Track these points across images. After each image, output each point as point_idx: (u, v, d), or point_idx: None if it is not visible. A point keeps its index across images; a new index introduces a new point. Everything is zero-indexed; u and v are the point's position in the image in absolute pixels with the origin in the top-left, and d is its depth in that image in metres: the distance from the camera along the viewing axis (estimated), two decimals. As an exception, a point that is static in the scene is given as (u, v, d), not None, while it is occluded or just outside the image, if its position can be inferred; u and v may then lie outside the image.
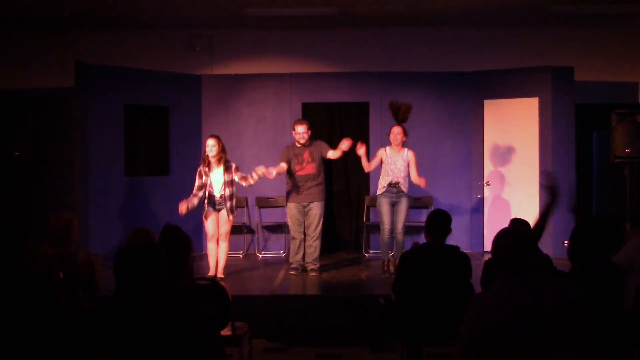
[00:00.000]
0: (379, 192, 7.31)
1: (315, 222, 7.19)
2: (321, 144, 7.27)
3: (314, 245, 7.22)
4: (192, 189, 8.66)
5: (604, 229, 3.75)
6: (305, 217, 7.22)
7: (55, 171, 8.80)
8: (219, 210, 6.98)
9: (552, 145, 8.38)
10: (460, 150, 8.92)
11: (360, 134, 9.18)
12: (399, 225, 7.23)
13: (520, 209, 8.24)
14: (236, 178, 6.93)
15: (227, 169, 6.92)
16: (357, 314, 6.05)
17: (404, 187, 7.21)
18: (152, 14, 8.49)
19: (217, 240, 7.05)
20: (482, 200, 8.81)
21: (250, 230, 9.01)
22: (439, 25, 9.16)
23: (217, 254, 7.04)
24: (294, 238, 7.30)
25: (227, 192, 6.93)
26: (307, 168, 7.16)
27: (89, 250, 4.64)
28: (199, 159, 7.21)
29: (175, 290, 3.14)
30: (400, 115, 7.37)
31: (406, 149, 7.32)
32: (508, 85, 8.72)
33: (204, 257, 7.59)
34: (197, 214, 8.55)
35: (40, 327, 3.09)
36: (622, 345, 3.58)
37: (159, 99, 8.75)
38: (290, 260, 7.41)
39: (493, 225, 8.43)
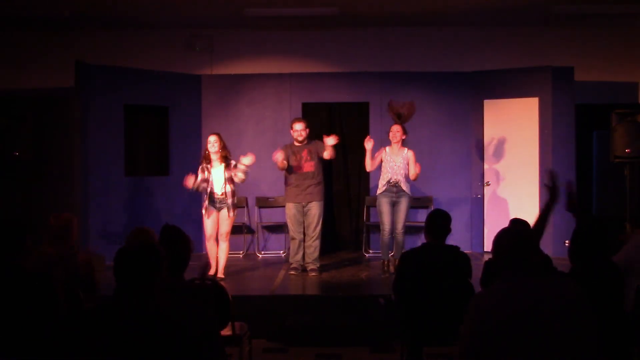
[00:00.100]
0: (379, 192, 7.31)
1: (315, 221, 7.19)
2: (318, 144, 7.27)
3: (313, 246, 7.22)
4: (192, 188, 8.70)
5: (604, 229, 3.75)
6: (305, 217, 7.23)
7: (55, 171, 8.80)
8: (219, 210, 6.98)
9: (552, 145, 8.38)
10: (460, 150, 8.92)
11: (360, 134, 9.18)
12: (399, 225, 7.23)
13: (520, 208, 8.24)
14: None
15: (227, 166, 6.94)
16: (357, 314, 6.05)
17: (404, 187, 7.21)
18: (152, 14, 8.49)
19: (216, 240, 7.06)
20: (482, 200, 8.81)
21: (250, 230, 9.01)
22: (439, 25, 9.16)
23: (217, 253, 7.04)
24: (293, 238, 7.30)
25: (228, 189, 6.95)
26: (306, 166, 7.17)
27: (89, 250, 4.64)
28: (199, 158, 7.22)
29: (175, 290, 3.15)
30: (402, 119, 7.37)
31: (406, 149, 7.32)
32: (508, 85, 8.71)
33: (204, 257, 7.59)
34: (197, 214, 8.57)
35: (40, 327, 3.09)
36: (622, 345, 3.58)
37: (159, 99, 8.75)
38: (290, 260, 7.42)
39: (493, 225, 8.43)
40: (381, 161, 7.31)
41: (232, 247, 7.78)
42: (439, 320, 4.09)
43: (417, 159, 7.36)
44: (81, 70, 7.97)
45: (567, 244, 3.90)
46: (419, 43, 9.27)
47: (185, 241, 3.56)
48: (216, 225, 7.01)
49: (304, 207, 7.21)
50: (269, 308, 6.09)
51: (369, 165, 7.34)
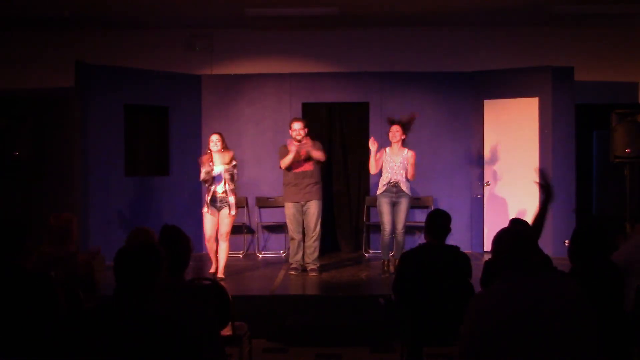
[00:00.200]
0: (379, 192, 7.31)
1: (314, 221, 7.19)
2: (315, 144, 7.27)
3: (313, 246, 7.22)
4: (192, 188, 8.71)
5: (604, 229, 3.76)
6: (304, 216, 7.23)
7: (55, 171, 8.80)
8: (220, 209, 6.99)
9: (552, 145, 8.38)
10: (460, 150, 8.92)
11: (360, 134, 9.20)
12: (399, 225, 7.24)
13: (520, 208, 8.24)
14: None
15: (228, 164, 6.96)
16: (357, 314, 6.05)
17: (403, 187, 7.21)
18: (152, 14, 8.50)
19: (216, 240, 7.07)
20: (481, 200, 8.81)
21: (250, 230, 9.01)
22: (439, 25, 9.17)
23: (217, 251, 7.06)
24: (292, 238, 7.30)
25: (228, 187, 6.96)
26: (304, 165, 7.18)
27: (92, 250, 4.63)
28: (199, 158, 7.23)
29: (175, 290, 3.15)
30: (402, 124, 7.39)
31: (406, 149, 7.33)
32: (508, 85, 8.71)
33: (204, 257, 7.59)
34: (197, 214, 8.58)
35: (40, 327, 3.09)
36: (622, 345, 3.58)
37: (159, 99, 8.75)
38: (290, 260, 7.42)
39: (493, 225, 8.43)
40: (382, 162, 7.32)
41: (232, 247, 7.79)
42: (439, 320, 4.09)
43: (417, 159, 7.36)
44: (81, 70, 7.97)
45: (567, 244, 3.90)
46: (419, 43, 9.27)
47: (185, 241, 3.56)
48: (216, 225, 7.02)
49: (302, 206, 7.22)
50: (269, 308, 6.09)
51: (373, 168, 7.31)
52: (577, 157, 8.52)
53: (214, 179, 6.94)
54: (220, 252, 7.02)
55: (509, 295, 2.58)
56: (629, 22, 9.03)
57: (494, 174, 8.77)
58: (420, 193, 8.66)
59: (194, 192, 8.72)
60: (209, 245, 7.08)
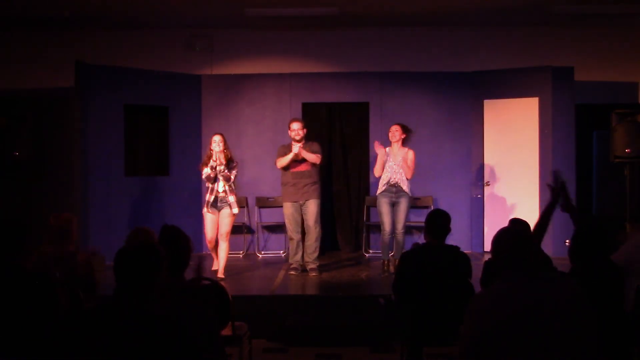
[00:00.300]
0: (378, 192, 7.32)
1: (313, 219, 7.18)
2: (313, 144, 7.28)
3: (313, 245, 7.22)
4: (192, 188, 8.72)
5: (604, 229, 3.76)
6: (303, 215, 7.23)
7: (55, 171, 8.80)
8: (220, 209, 7.00)
9: (552, 145, 8.38)
10: (460, 150, 8.92)
11: (360, 134, 9.20)
12: (399, 225, 7.24)
13: (520, 208, 8.25)
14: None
15: (229, 164, 6.97)
16: (357, 314, 6.05)
17: (403, 187, 7.22)
18: (152, 14, 8.49)
19: (216, 241, 7.09)
20: (482, 200, 8.81)
21: (250, 230, 9.01)
22: (439, 25, 9.16)
23: (217, 251, 7.09)
24: (291, 238, 7.31)
25: (228, 187, 6.98)
26: (303, 165, 7.19)
27: (92, 250, 4.63)
28: (199, 159, 7.26)
29: (175, 290, 3.14)
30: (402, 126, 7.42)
31: (406, 148, 7.33)
32: (508, 85, 8.71)
33: (204, 257, 7.59)
34: (197, 214, 8.57)
35: (40, 327, 3.09)
36: (622, 345, 3.58)
37: (159, 99, 8.75)
38: (290, 260, 7.42)
39: (493, 225, 8.43)
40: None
41: (232, 247, 7.79)
42: (439, 320, 4.09)
43: (417, 159, 7.37)
44: (81, 70, 7.97)
45: (567, 244, 3.90)
46: (419, 43, 9.27)
47: (185, 241, 3.56)
48: (216, 226, 7.03)
49: (301, 205, 7.22)
50: (269, 308, 6.09)
51: (379, 171, 7.30)
52: (577, 157, 8.52)
53: (217, 176, 6.94)
54: (220, 252, 7.03)
55: (509, 295, 2.58)
56: (629, 22, 9.02)
57: (494, 174, 8.76)
58: (420, 193, 8.66)
59: (194, 192, 8.72)
60: (211, 246, 7.12)
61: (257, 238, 8.98)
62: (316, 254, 7.27)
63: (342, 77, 9.13)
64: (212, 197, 6.99)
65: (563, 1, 8.00)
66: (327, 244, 8.98)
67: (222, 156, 6.95)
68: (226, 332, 4.15)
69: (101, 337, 2.47)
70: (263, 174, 8.89)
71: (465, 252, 4.40)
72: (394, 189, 7.23)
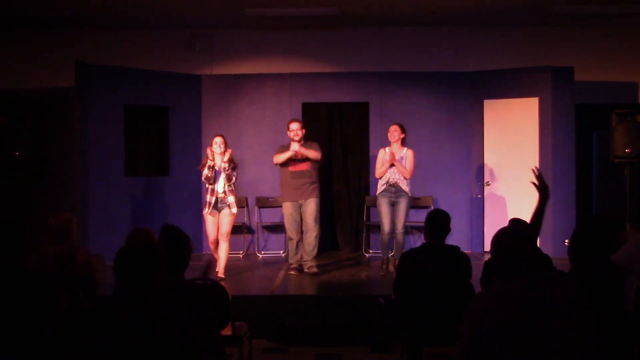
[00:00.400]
0: (378, 192, 7.33)
1: (312, 218, 7.17)
2: (312, 145, 7.29)
3: (312, 243, 7.20)
4: (192, 188, 8.72)
5: (604, 229, 3.76)
6: (302, 214, 7.23)
7: (55, 171, 8.80)
8: (220, 210, 7.01)
9: (552, 145, 8.38)
10: (460, 150, 8.92)
11: (360, 134, 9.20)
12: (399, 225, 7.24)
13: (519, 208, 8.22)
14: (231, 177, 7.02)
15: (230, 163, 6.99)
16: (357, 314, 6.05)
17: (403, 187, 7.22)
18: (152, 14, 8.49)
19: (217, 241, 7.10)
20: (481, 200, 8.81)
21: (250, 230, 9.01)
22: (439, 25, 9.16)
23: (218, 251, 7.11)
24: (291, 239, 7.31)
25: (227, 188, 7.00)
26: (302, 165, 7.20)
27: (89, 250, 4.63)
28: (199, 159, 7.27)
29: (175, 290, 3.15)
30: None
31: (406, 148, 7.34)
32: (508, 85, 8.71)
33: (204, 257, 7.59)
34: (197, 214, 8.58)
35: (40, 327, 3.09)
36: (622, 345, 3.58)
37: (159, 99, 8.75)
38: (290, 260, 7.42)
39: (493, 225, 8.42)
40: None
41: (232, 247, 7.79)
42: (439, 320, 4.09)
43: (417, 159, 7.37)
44: (81, 70, 7.97)
45: (566, 243, 3.90)
46: (419, 43, 9.27)
47: (185, 241, 3.56)
48: (217, 227, 7.05)
49: (301, 205, 7.22)
50: (269, 308, 6.09)
51: (380, 173, 7.32)
52: (577, 157, 8.52)
53: (216, 175, 6.96)
54: (220, 252, 7.04)
55: (509, 295, 2.58)
56: (629, 22, 9.02)
57: (494, 174, 8.76)
58: (420, 193, 8.66)
59: (194, 192, 8.72)
60: (213, 247, 7.13)
61: (257, 238, 8.98)
62: (315, 252, 7.25)
63: (342, 77, 9.13)
64: (213, 198, 7.00)
65: (563, 1, 8.00)
66: (327, 244, 8.98)
67: (225, 157, 6.97)
68: (226, 332, 4.15)
69: (101, 337, 2.47)
70: (263, 174, 8.89)
71: (465, 252, 4.40)
72: (393, 188, 7.23)
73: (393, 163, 7.20)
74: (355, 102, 9.16)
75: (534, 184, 4.07)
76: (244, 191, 8.70)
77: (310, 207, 7.19)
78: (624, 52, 9.24)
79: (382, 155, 7.34)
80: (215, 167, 6.96)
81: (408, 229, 8.34)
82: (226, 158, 6.97)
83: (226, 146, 7.05)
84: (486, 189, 8.79)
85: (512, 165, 8.63)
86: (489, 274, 4.14)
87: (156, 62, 8.92)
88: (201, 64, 9.22)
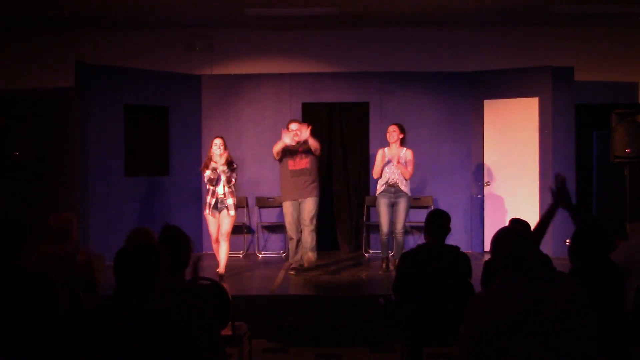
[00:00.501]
0: (377, 193, 7.35)
1: (309, 216, 7.17)
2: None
3: (308, 239, 7.17)
4: (192, 188, 8.72)
5: (604, 229, 3.76)
6: (300, 211, 7.23)
7: (55, 171, 8.79)
8: (220, 210, 7.06)
9: (552, 145, 8.38)
10: (460, 150, 8.92)
11: (360, 134, 9.20)
12: (398, 225, 7.25)
13: (520, 209, 8.23)
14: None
15: (229, 166, 7.04)
16: (357, 314, 6.05)
17: (402, 187, 7.23)
18: (152, 14, 8.49)
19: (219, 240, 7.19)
20: (481, 200, 8.81)
21: (250, 230, 9.01)
22: (439, 25, 9.16)
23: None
24: (291, 238, 7.32)
25: (227, 189, 7.05)
26: (301, 163, 7.22)
27: (89, 250, 4.63)
28: (199, 159, 7.28)
29: (175, 290, 3.15)
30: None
31: (405, 148, 7.34)
32: (508, 85, 8.71)
33: (205, 257, 7.59)
34: (197, 214, 8.58)
35: (40, 327, 3.09)
36: (622, 345, 3.58)
37: (159, 99, 8.75)
38: (290, 260, 7.43)
39: (493, 225, 8.42)
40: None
41: (232, 247, 7.79)
42: (439, 320, 4.09)
43: (417, 159, 7.38)
44: (81, 70, 7.97)
45: (567, 243, 3.90)
46: (419, 43, 9.27)
47: (185, 241, 3.57)
48: (218, 225, 7.12)
49: (300, 203, 7.23)
50: (269, 308, 6.10)
51: (378, 174, 7.35)
52: (577, 157, 8.52)
53: (219, 178, 6.99)
54: (221, 251, 7.12)
55: (509, 295, 2.58)
56: (629, 22, 9.02)
57: (494, 174, 8.76)
58: (420, 193, 8.66)
59: (194, 192, 8.72)
60: (215, 246, 7.20)
61: (257, 238, 8.98)
62: (313, 244, 7.19)
63: (342, 77, 9.13)
64: (213, 200, 7.06)
65: (563, 1, 8.00)
66: (327, 243, 8.98)
67: (222, 159, 7.00)
68: (226, 332, 4.15)
69: (101, 337, 2.47)
70: (263, 174, 8.89)
71: (465, 252, 4.40)
72: (392, 189, 7.24)
73: (390, 161, 7.21)
74: (355, 102, 9.16)
75: (551, 189, 3.98)
76: (244, 191, 8.69)
77: (309, 205, 7.20)
78: (624, 52, 9.24)
79: (381, 156, 7.36)
80: (218, 171, 6.99)
81: (408, 229, 8.35)
82: (223, 160, 6.99)
83: (225, 147, 7.10)
84: (486, 189, 8.79)
85: (512, 165, 8.63)
86: (489, 274, 4.14)
87: (156, 62, 8.92)
88: (201, 64, 9.22)
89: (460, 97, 8.92)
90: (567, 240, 3.94)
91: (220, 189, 7.03)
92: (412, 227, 8.67)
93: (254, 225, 8.98)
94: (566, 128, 8.44)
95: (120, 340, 2.45)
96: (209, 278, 4.20)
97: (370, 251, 8.76)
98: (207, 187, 7.11)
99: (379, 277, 7.27)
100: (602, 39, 9.20)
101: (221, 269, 7.08)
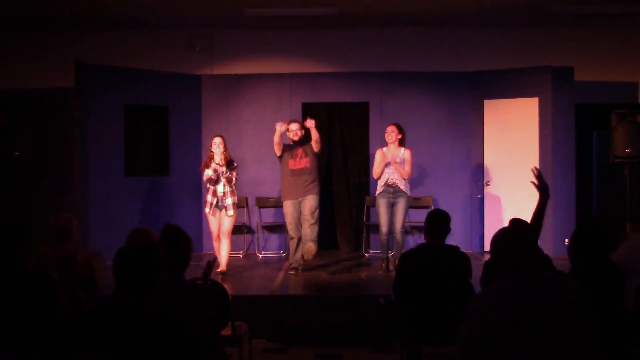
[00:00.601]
0: (377, 193, 7.38)
1: (309, 211, 7.16)
2: (311, 145, 7.32)
3: (307, 232, 7.14)
4: (192, 188, 8.72)
5: (604, 229, 3.76)
6: (301, 209, 7.23)
7: (55, 171, 8.80)
8: (221, 209, 7.14)
9: (552, 145, 8.38)
10: (460, 150, 8.92)
11: (360, 134, 9.20)
12: (398, 225, 7.25)
13: (520, 208, 8.21)
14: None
15: (229, 166, 7.11)
16: (357, 314, 6.05)
17: (401, 187, 7.24)
18: (152, 14, 8.49)
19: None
20: (481, 200, 8.80)
21: (250, 230, 9.01)
22: (439, 25, 9.16)
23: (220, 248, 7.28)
24: (292, 238, 7.32)
25: (228, 188, 7.12)
26: (301, 162, 7.25)
27: (95, 251, 4.62)
28: (199, 158, 7.30)
29: (175, 290, 3.15)
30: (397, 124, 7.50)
31: (403, 149, 7.35)
32: (508, 85, 8.71)
33: (204, 257, 7.60)
34: (197, 214, 8.59)
35: (40, 327, 3.09)
36: (622, 345, 3.58)
37: (159, 99, 8.75)
38: (290, 260, 7.43)
39: (493, 225, 8.42)
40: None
41: (232, 247, 7.78)
42: (439, 320, 4.09)
43: (417, 159, 7.39)
44: (81, 70, 7.97)
45: (566, 242, 3.90)
46: (419, 43, 9.27)
47: (186, 241, 3.56)
48: (219, 224, 7.21)
49: (300, 202, 7.24)
50: (269, 308, 6.10)
51: (378, 174, 7.36)
52: (577, 157, 8.52)
53: (218, 178, 7.06)
54: (222, 249, 7.21)
55: (509, 295, 2.58)
56: (629, 22, 9.02)
57: (494, 174, 8.76)
58: (420, 193, 8.66)
59: (194, 192, 8.72)
60: (216, 244, 7.28)
61: (257, 238, 8.98)
62: (313, 236, 7.16)
63: (342, 77, 9.13)
64: (215, 199, 7.13)
65: (563, 1, 8.00)
66: (327, 243, 8.98)
67: (222, 158, 7.05)
68: (226, 332, 4.15)
69: (101, 337, 2.47)
70: (263, 174, 8.89)
71: (465, 252, 4.40)
72: (391, 189, 7.26)
73: (390, 162, 7.23)
74: (355, 102, 9.16)
75: (533, 183, 4.06)
76: (244, 191, 8.69)
77: (309, 202, 7.20)
78: (624, 52, 9.24)
79: (380, 156, 7.37)
80: (218, 171, 7.02)
81: (408, 229, 8.35)
82: (222, 160, 7.03)
83: (225, 146, 7.15)
84: (486, 189, 8.79)
85: (512, 165, 8.63)
86: (489, 274, 4.14)
87: (156, 62, 8.92)
88: (201, 64, 9.22)
89: (460, 97, 8.92)
90: (566, 240, 3.94)
91: (220, 188, 7.12)
92: (412, 227, 8.68)
93: (254, 225, 8.98)
94: (566, 128, 8.44)
95: (121, 341, 2.45)
96: (209, 278, 4.19)
97: (370, 251, 8.76)
98: (208, 186, 7.15)
99: (379, 277, 7.27)
100: (602, 39, 9.20)
101: (223, 266, 7.15)
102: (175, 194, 8.74)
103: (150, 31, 9.15)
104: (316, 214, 7.23)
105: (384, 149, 7.39)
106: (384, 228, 7.29)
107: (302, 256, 7.27)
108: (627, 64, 9.22)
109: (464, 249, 5.09)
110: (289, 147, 7.33)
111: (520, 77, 8.64)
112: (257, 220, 8.94)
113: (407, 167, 7.27)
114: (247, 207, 8.93)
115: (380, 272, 7.37)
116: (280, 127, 7.19)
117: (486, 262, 4.23)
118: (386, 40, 9.26)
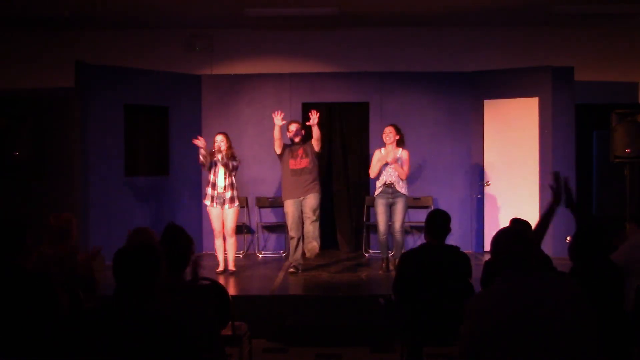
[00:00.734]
0: (376, 193, 7.40)
1: (311, 209, 7.18)
2: (311, 145, 7.33)
3: (309, 230, 7.18)
4: (192, 188, 8.72)
5: (604, 229, 3.76)
6: (302, 208, 7.24)
7: (55, 171, 8.79)
8: (222, 204, 7.20)
9: (552, 145, 8.38)
10: (460, 150, 8.92)
11: (360, 134, 9.20)
12: (397, 225, 7.26)
13: (520, 208, 8.23)
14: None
15: (226, 154, 7.20)
16: (357, 314, 6.06)
17: (399, 188, 7.25)
18: (152, 14, 8.49)
19: (224, 236, 7.31)
20: (482, 200, 8.80)
21: (250, 230, 9.01)
22: (439, 25, 9.16)
23: (225, 249, 7.31)
24: (292, 237, 7.32)
25: (228, 182, 7.22)
26: (302, 162, 7.27)
27: (94, 251, 4.62)
28: (199, 159, 7.31)
29: (175, 290, 3.15)
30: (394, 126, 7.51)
31: (401, 149, 7.35)
32: (508, 85, 8.71)
33: (205, 257, 7.60)
34: (197, 214, 8.58)
35: (40, 327, 3.09)
36: (622, 345, 3.59)
37: (159, 99, 8.75)
38: (290, 259, 7.43)
39: (493, 225, 8.43)
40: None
41: (232, 247, 7.79)
42: (439, 320, 4.09)
43: (417, 159, 7.39)
44: (81, 70, 7.96)
45: (568, 240, 3.90)
46: (419, 43, 9.27)
47: (187, 241, 3.57)
48: (221, 219, 7.26)
49: (301, 201, 7.24)
50: (269, 308, 6.10)
51: (375, 173, 7.38)
52: (577, 157, 8.52)
53: (216, 163, 7.17)
54: (228, 248, 7.28)
55: (509, 295, 2.58)
56: (629, 22, 9.02)
57: (494, 174, 8.76)
58: (420, 193, 8.66)
59: (194, 192, 8.72)
60: (218, 242, 7.32)
61: (257, 238, 8.98)
62: (316, 234, 7.21)
63: (342, 77, 9.13)
64: (215, 192, 7.20)
65: (563, 1, 8.00)
66: (327, 243, 8.98)
67: (226, 154, 7.16)
68: (226, 332, 4.15)
69: (101, 337, 2.47)
70: (263, 174, 8.89)
71: (465, 252, 4.40)
72: (390, 190, 7.27)
73: (390, 163, 7.23)
74: (355, 102, 9.16)
75: (551, 186, 3.96)
76: (244, 191, 8.69)
77: (310, 200, 7.22)
78: (624, 52, 9.24)
79: (377, 156, 7.38)
80: (214, 157, 7.12)
81: (408, 229, 8.35)
82: (223, 147, 7.17)
83: (228, 142, 7.26)
84: (486, 189, 8.79)
85: (512, 165, 8.63)
86: (489, 274, 4.14)
87: (156, 62, 8.92)
88: (201, 64, 9.22)
89: (460, 97, 8.92)
90: (568, 238, 3.94)
91: (221, 182, 7.15)
92: (412, 227, 8.68)
93: (254, 225, 8.98)
94: (566, 128, 8.44)
95: (121, 341, 2.45)
96: (209, 278, 4.20)
97: (370, 251, 8.76)
98: (208, 178, 7.17)
99: (379, 277, 7.27)
100: (602, 39, 9.20)
101: (231, 266, 7.24)
102: (176, 194, 8.74)
103: (150, 31, 9.14)
104: (318, 211, 7.25)
105: (382, 149, 7.41)
106: (382, 228, 7.30)
107: (303, 255, 7.28)
108: (627, 64, 9.22)
109: (464, 249, 5.08)
110: (289, 147, 7.34)
111: (520, 77, 8.64)
112: (257, 220, 8.93)
113: (405, 167, 7.28)
114: (247, 207, 8.93)
115: (380, 272, 7.39)
116: (277, 119, 7.20)
117: (486, 262, 4.24)
118: (386, 40, 9.26)
